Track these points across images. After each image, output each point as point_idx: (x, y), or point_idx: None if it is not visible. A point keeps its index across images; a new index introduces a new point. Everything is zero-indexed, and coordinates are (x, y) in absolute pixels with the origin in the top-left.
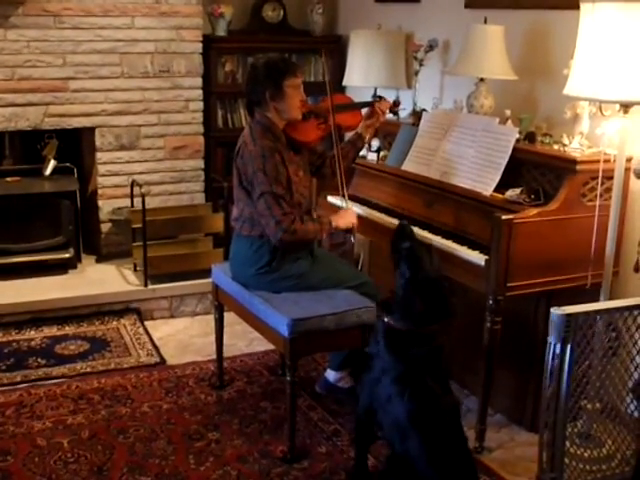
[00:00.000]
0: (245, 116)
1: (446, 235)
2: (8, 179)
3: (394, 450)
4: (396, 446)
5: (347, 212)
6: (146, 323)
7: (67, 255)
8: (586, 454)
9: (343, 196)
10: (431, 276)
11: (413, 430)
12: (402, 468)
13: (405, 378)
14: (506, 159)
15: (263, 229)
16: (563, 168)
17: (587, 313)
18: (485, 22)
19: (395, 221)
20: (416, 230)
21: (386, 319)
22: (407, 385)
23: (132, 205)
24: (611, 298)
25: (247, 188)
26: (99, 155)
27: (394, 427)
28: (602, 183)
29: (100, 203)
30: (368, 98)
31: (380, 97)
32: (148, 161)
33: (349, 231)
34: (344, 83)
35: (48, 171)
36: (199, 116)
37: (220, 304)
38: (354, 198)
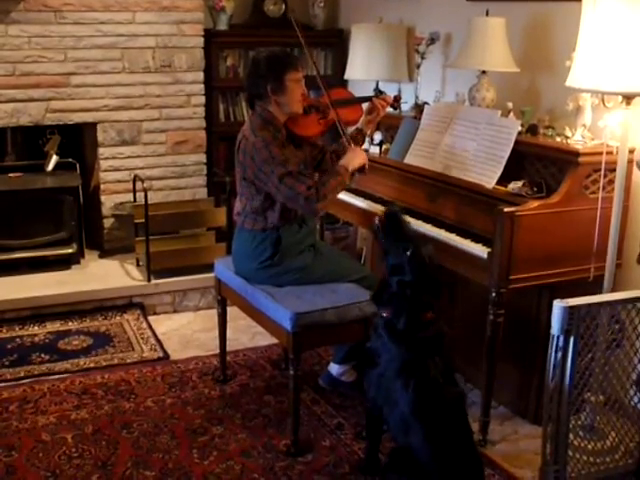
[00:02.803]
0: (247, 110)
1: (449, 228)
2: (10, 175)
3: (398, 443)
4: (400, 439)
5: (354, 151)
6: (149, 318)
7: (70, 250)
8: (590, 446)
9: (347, 141)
10: (430, 269)
11: (416, 422)
12: (405, 461)
13: (409, 367)
14: (508, 152)
15: (295, 211)
16: (565, 160)
17: (590, 305)
18: (487, 14)
19: None
20: (419, 223)
21: (384, 314)
22: (411, 376)
23: (134, 200)
24: (614, 290)
25: (253, 182)
26: (101, 150)
27: (399, 420)
28: (605, 175)
29: (102, 198)
30: (370, 92)
31: (381, 92)
32: (150, 156)
33: (362, 169)
34: (346, 77)
35: (50, 167)
36: (201, 111)
37: (223, 298)
38: (356, 191)
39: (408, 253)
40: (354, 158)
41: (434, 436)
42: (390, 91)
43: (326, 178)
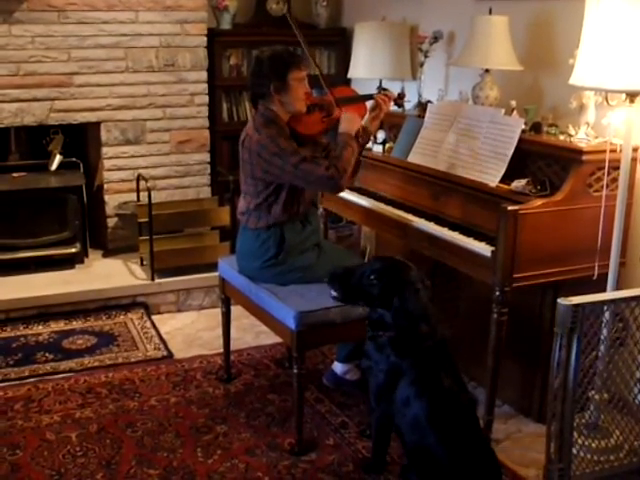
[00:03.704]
0: (250, 109)
1: (452, 227)
2: (14, 174)
3: (413, 448)
4: (412, 443)
5: (348, 117)
6: (153, 317)
7: (74, 250)
8: (594, 445)
9: (337, 104)
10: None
11: (432, 430)
12: (425, 462)
13: (423, 376)
14: (512, 150)
15: (297, 205)
16: (569, 158)
17: (594, 303)
18: (490, 13)
19: (402, 213)
20: (422, 222)
21: (387, 334)
22: (426, 387)
23: (138, 199)
24: (618, 288)
25: (263, 178)
26: (105, 150)
27: (412, 427)
28: (608, 173)
29: (106, 198)
30: (373, 90)
31: (384, 89)
32: (154, 155)
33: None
34: (349, 75)
35: (54, 166)
36: (204, 110)
37: (227, 297)
38: (360, 190)
39: (372, 278)
40: (351, 123)
41: (449, 441)
42: (393, 89)
43: (338, 152)
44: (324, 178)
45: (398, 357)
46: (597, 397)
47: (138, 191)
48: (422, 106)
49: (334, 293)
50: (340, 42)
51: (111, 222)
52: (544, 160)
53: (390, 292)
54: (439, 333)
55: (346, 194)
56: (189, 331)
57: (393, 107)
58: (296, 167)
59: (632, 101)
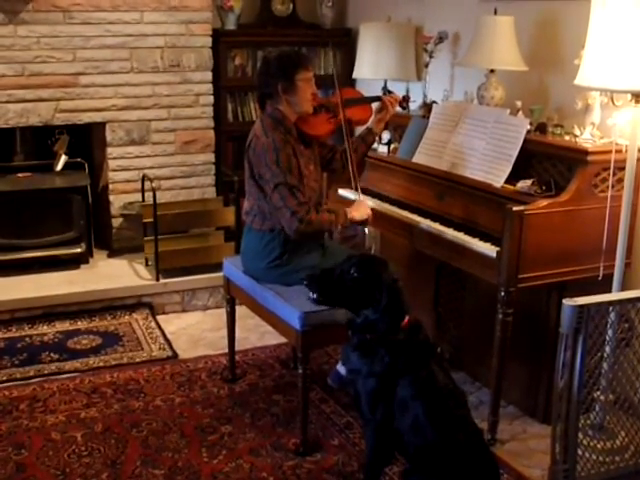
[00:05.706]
0: (255, 110)
1: (457, 227)
2: (19, 175)
3: (417, 449)
4: (417, 445)
5: (361, 204)
6: (158, 317)
7: (79, 250)
8: (599, 446)
9: (356, 189)
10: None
11: (435, 427)
12: (430, 462)
13: (420, 373)
14: (517, 150)
15: (278, 221)
16: (574, 159)
17: (599, 304)
18: (495, 13)
19: (407, 213)
20: (427, 222)
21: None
22: (424, 381)
23: (143, 200)
24: (623, 289)
25: (259, 181)
26: (110, 150)
27: (415, 428)
28: (614, 174)
29: (111, 198)
30: (378, 91)
31: (389, 91)
32: (159, 156)
33: (363, 222)
34: (354, 76)
35: (59, 166)
36: (209, 110)
37: (232, 298)
38: (365, 191)
39: (353, 272)
40: (358, 210)
41: (452, 436)
42: (398, 90)
43: (323, 210)
44: (289, 210)
45: (393, 356)
46: (602, 398)
47: (143, 191)
48: (427, 106)
49: (313, 295)
50: (345, 43)
51: (116, 222)
52: (549, 160)
53: (373, 285)
54: (423, 330)
55: (350, 194)
56: (194, 331)
57: (398, 109)
58: (276, 187)
59: (637, 101)
